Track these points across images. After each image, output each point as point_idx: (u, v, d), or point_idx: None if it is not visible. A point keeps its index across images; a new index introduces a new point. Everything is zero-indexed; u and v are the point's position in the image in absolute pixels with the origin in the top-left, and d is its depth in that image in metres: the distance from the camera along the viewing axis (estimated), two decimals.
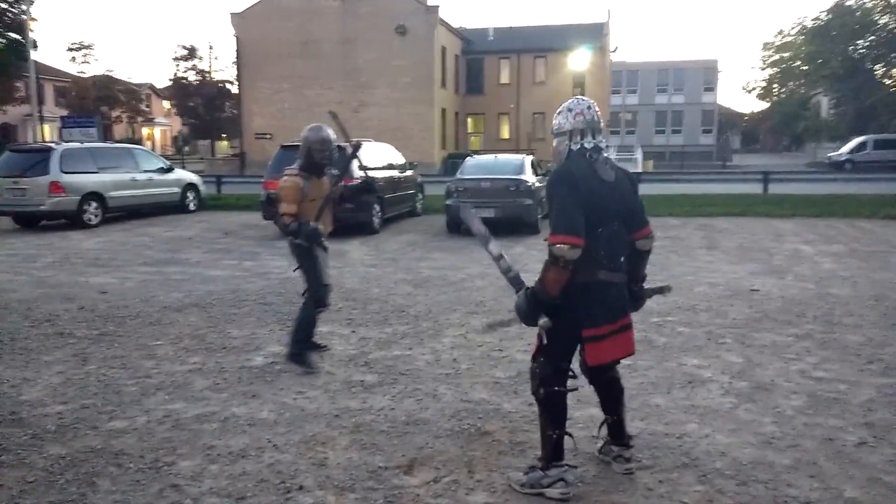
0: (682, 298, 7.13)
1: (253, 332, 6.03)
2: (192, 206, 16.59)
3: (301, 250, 5.00)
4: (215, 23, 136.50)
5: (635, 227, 3.28)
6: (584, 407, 4.19)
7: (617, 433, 3.42)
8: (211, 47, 74.75)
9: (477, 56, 39.52)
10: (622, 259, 3.19)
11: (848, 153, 34.20)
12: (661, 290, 3.61)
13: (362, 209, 12.06)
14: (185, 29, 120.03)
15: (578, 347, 3.19)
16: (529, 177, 12.35)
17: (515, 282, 3.27)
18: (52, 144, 14.52)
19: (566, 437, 3.23)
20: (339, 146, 5.52)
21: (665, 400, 4.35)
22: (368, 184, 5.50)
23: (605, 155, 3.20)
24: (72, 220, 13.56)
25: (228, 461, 3.58)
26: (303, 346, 5.04)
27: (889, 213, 14.20)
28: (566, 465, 3.21)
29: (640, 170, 29.98)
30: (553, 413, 3.20)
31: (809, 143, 50.26)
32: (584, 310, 3.09)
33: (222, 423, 4.06)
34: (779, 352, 5.32)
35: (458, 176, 12.82)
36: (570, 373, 3.23)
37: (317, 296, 5.09)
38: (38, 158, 13.62)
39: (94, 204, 13.80)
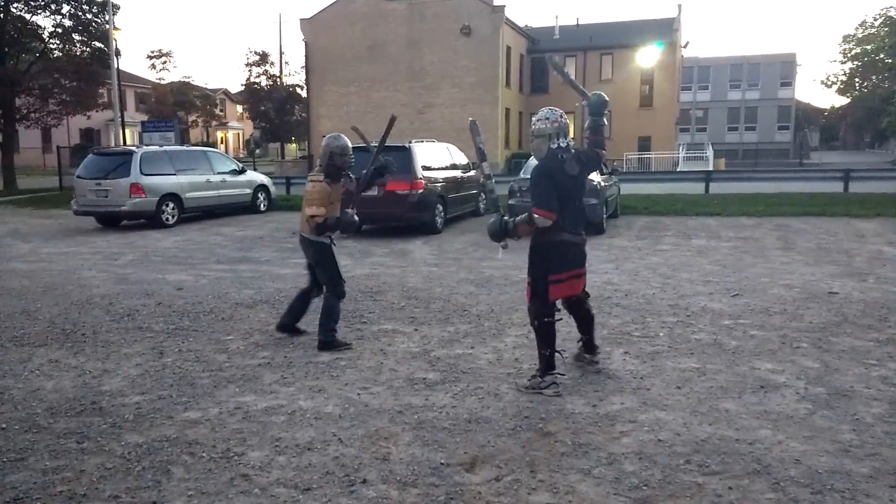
0: (756, 301, 6.89)
1: None
2: (262, 207, 17.07)
3: (323, 248, 5.58)
4: (286, 29, 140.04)
5: None
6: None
7: (589, 346, 4.94)
8: (282, 52, 76.37)
9: (542, 55, 39.18)
10: (581, 227, 4.60)
11: None
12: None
13: (426, 209, 12.18)
14: (257, 35, 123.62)
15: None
16: (594, 176, 12.14)
17: (494, 204, 4.76)
18: (133, 148, 15.19)
19: (557, 354, 4.53)
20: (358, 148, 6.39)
21: (736, 405, 4.21)
22: (381, 167, 5.87)
23: (573, 152, 4.52)
24: (150, 220, 14.17)
25: (295, 453, 3.67)
26: (331, 335, 5.56)
27: None
28: (556, 373, 4.50)
29: (710, 168, 29.06)
30: (544, 337, 4.51)
31: (894, 139, 47.62)
32: (553, 261, 4.46)
33: (290, 416, 4.17)
34: (859, 357, 5.08)
35: (522, 175, 12.73)
36: (556, 308, 4.56)
37: (339, 290, 5.63)
38: (120, 161, 14.29)
39: (171, 204, 14.38)
